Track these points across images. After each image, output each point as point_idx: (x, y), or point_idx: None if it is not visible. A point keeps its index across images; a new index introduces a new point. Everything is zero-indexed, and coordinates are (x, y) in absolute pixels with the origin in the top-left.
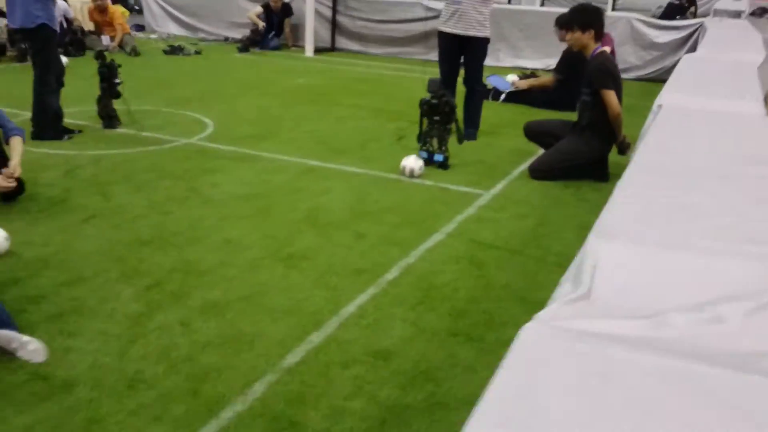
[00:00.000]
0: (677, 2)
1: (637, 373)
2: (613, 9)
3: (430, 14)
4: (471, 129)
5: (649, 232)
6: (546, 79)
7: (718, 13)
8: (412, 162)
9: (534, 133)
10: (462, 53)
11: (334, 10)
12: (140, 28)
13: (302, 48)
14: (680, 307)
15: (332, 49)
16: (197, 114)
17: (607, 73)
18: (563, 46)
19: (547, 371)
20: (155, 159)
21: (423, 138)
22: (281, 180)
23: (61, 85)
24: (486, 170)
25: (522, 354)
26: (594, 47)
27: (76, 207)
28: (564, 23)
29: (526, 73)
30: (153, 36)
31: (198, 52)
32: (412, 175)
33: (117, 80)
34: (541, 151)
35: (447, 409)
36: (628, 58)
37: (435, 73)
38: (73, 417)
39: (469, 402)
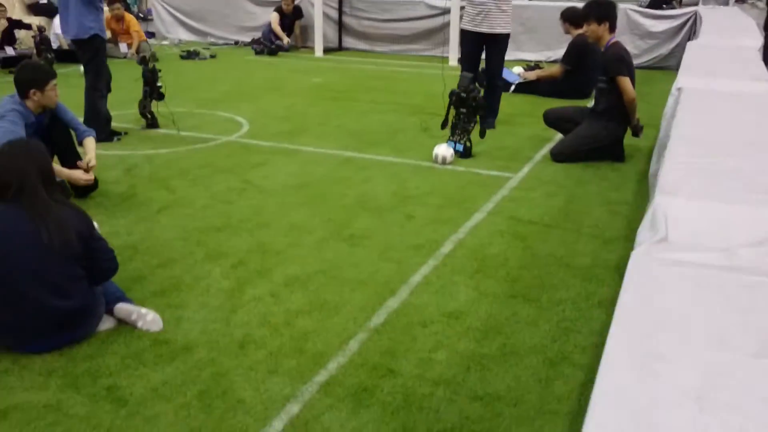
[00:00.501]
0: None
1: (732, 285)
2: None
3: (433, 12)
4: (490, 118)
5: (702, 189)
6: (554, 69)
7: (707, 0)
8: (444, 150)
9: (553, 119)
10: (482, 49)
11: (340, 11)
12: (151, 35)
13: (311, 49)
14: (743, 244)
15: (340, 48)
16: (229, 113)
17: (622, 61)
18: (562, 39)
19: (665, 285)
20: (204, 156)
21: (452, 128)
22: (324, 170)
23: (109, 90)
24: (510, 155)
25: (638, 277)
26: (609, 38)
27: (146, 200)
28: (581, 16)
29: (530, 65)
30: (164, 42)
31: (213, 56)
32: (444, 162)
33: (159, 84)
34: (557, 137)
35: (519, 356)
36: (626, 47)
37: (441, 68)
38: (200, 372)
39: (536, 350)
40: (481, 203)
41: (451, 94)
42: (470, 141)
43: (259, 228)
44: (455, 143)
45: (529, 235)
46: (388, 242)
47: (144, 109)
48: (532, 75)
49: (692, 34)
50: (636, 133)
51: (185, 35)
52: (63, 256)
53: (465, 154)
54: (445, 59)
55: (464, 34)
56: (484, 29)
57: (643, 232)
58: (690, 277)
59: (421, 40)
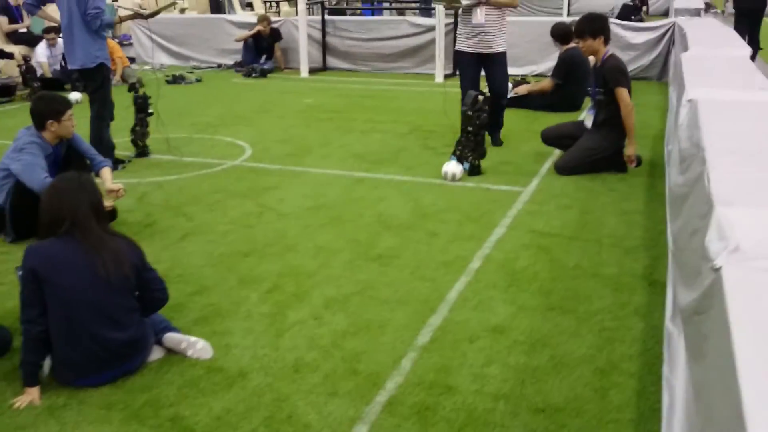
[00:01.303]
0: (631, 3)
1: None
2: (568, 14)
3: (417, 30)
4: (496, 132)
5: (757, 198)
6: (544, 83)
7: (680, 12)
8: (453, 167)
9: (551, 138)
10: (481, 68)
11: (324, 32)
12: (131, 60)
13: (295, 69)
14: None
15: (324, 68)
16: (229, 138)
17: (621, 72)
18: (545, 53)
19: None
20: (213, 181)
21: (456, 145)
22: (337, 192)
23: (112, 118)
24: (516, 170)
25: (738, 287)
26: (604, 51)
27: (167, 228)
28: (576, 33)
29: (516, 80)
30: (146, 68)
31: (199, 80)
32: (454, 179)
33: (150, 111)
34: (557, 151)
35: (569, 367)
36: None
37: (429, 85)
38: (260, 398)
39: (585, 360)
40: (498, 218)
41: (462, 112)
42: (475, 159)
43: (286, 251)
44: (463, 161)
45: (553, 248)
46: (417, 260)
47: (141, 137)
48: (524, 90)
49: (671, 44)
50: (631, 162)
51: (167, 60)
52: (119, 288)
53: (472, 171)
54: (431, 76)
55: (461, 54)
56: (481, 50)
57: (713, 244)
58: None
59: (405, 58)
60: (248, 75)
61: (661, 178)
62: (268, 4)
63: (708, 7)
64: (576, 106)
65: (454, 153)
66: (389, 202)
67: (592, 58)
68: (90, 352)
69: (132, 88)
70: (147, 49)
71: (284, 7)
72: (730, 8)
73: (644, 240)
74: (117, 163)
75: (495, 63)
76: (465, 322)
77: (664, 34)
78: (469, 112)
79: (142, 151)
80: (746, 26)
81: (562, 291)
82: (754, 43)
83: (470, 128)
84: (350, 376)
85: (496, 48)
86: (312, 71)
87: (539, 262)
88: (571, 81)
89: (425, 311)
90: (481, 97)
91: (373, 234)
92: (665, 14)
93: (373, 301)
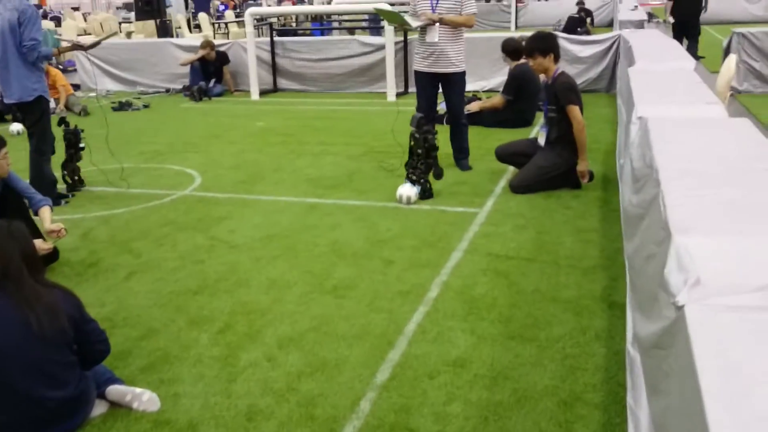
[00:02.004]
0: (576, 15)
1: None
2: (516, 28)
3: (367, 49)
4: (463, 159)
5: (714, 224)
6: (495, 100)
7: (624, 24)
8: (407, 190)
9: (505, 155)
10: (438, 87)
11: (273, 53)
12: (76, 87)
13: (245, 92)
14: None
15: (275, 90)
16: (178, 166)
17: (571, 90)
18: (494, 69)
19: (733, 336)
20: (162, 213)
21: (406, 168)
22: (289, 219)
23: (53, 152)
24: (471, 191)
25: (703, 329)
26: (554, 68)
27: (112, 266)
28: (525, 51)
29: (468, 96)
30: (92, 94)
31: (146, 106)
32: (409, 201)
33: (81, 145)
34: (512, 168)
35: (533, 400)
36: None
37: (381, 104)
38: None
39: (548, 392)
40: (455, 242)
41: (410, 135)
42: (428, 182)
43: (237, 287)
44: (414, 184)
45: (511, 271)
46: (373, 291)
47: (71, 173)
48: (475, 107)
49: (617, 57)
50: (583, 177)
51: (112, 85)
52: (55, 343)
53: (424, 195)
54: (383, 95)
55: (418, 75)
56: (437, 70)
57: (673, 276)
58: (751, 323)
59: (356, 77)
60: (197, 99)
61: (615, 193)
62: (216, 26)
63: (650, 17)
64: (527, 122)
65: (407, 176)
66: (343, 230)
67: (543, 76)
68: (26, 414)
69: (61, 122)
70: (91, 75)
71: (233, 28)
72: (670, 19)
73: (601, 260)
74: (60, 198)
75: (451, 83)
76: (424, 356)
77: (610, 47)
78: (416, 134)
79: (73, 186)
80: (683, 35)
81: (522, 318)
82: (693, 51)
83: (419, 150)
84: (306, 422)
85: (453, 68)
86: (263, 93)
87: (497, 288)
88: (523, 97)
89: (383, 346)
90: (441, 112)
91: (328, 264)
92: (610, 25)
93: (329, 338)
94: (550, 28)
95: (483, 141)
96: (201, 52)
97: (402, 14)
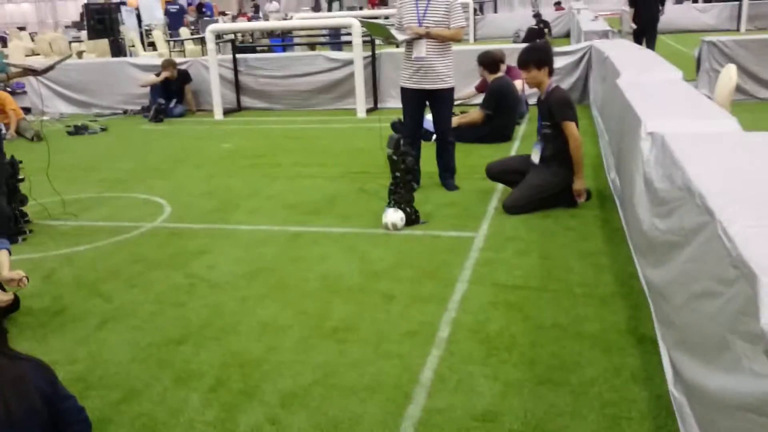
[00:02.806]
0: (536, 27)
1: None
2: (475, 40)
3: (333, 65)
4: (449, 178)
5: None
6: (474, 115)
7: (588, 35)
8: (392, 216)
9: (496, 173)
10: (425, 104)
11: (236, 71)
12: (27, 110)
13: (208, 112)
14: None
15: (239, 109)
16: (143, 195)
17: (567, 105)
18: (468, 81)
19: None
20: (131, 249)
21: (388, 193)
22: (274, 252)
23: (7, 185)
24: (463, 213)
25: None
26: (548, 82)
27: (81, 314)
28: (521, 64)
29: None
30: (45, 118)
31: (104, 129)
32: (395, 228)
33: (21, 177)
34: (501, 186)
35: None
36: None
37: (352, 121)
38: None
39: None
40: (456, 271)
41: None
42: (410, 207)
43: (225, 333)
44: (396, 208)
45: (524, 303)
46: (377, 332)
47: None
48: (454, 122)
49: (589, 67)
50: (580, 196)
51: (66, 108)
52: (24, 426)
53: (409, 221)
54: (351, 111)
55: (404, 92)
56: (425, 86)
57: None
58: None
59: (323, 93)
60: (157, 120)
61: (613, 210)
62: (171, 44)
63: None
64: (507, 137)
65: (389, 202)
66: (333, 261)
67: (520, 85)
68: None
69: None
70: (43, 98)
71: (189, 45)
72: (626, 27)
73: (616, 286)
74: (18, 235)
75: (439, 99)
76: (448, 411)
77: (581, 58)
78: (394, 156)
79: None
80: (641, 40)
81: (547, 358)
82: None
83: (397, 173)
84: None
85: (441, 83)
86: (226, 112)
87: (513, 324)
88: (502, 111)
89: (400, 399)
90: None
91: (323, 302)
92: (567, 36)
93: (338, 392)
94: (509, 41)
95: (465, 158)
96: (165, 74)
97: (388, 27)
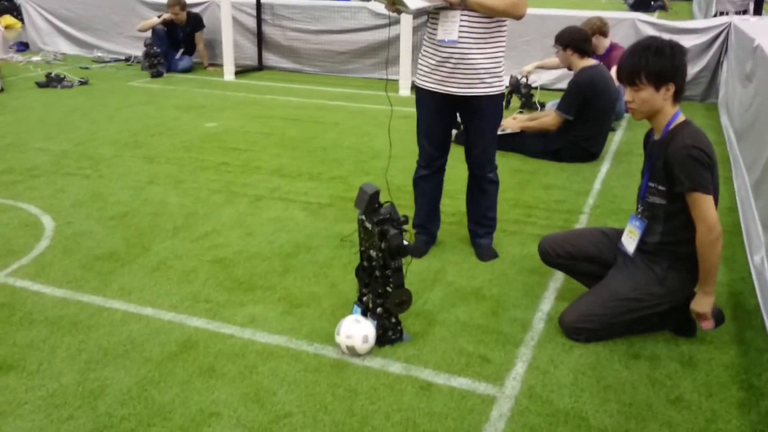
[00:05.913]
0: None
1: None
2: None
3: (378, 22)
4: (483, 238)
5: None
6: (547, 119)
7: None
8: (353, 328)
9: (556, 256)
10: (455, 117)
11: (259, 19)
12: (24, 46)
13: (221, 68)
14: None
15: (260, 68)
16: (35, 205)
17: (701, 162)
18: (545, 54)
19: None
20: None
21: (358, 282)
22: (127, 383)
23: None
24: (484, 324)
25: None
26: (672, 112)
27: None
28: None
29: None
30: (36, 58)
31: (84, 82)
32: (354, 353)
33: None
34: (561, 276)
35: None
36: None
37: (388, 100)
38: None
39: None
40: None
41: (358, 222)
42: (394, 318)
43: None
44: (367, 314)
45: None
46: None
47: None
48: (515, 125)
49: (723, 53)
50: (703, 320)
51: (67, 48)
52: None
53: (385, 338)
54: (394, 84)
55: (421, 95)
56: (454, 89)
57: None
58: None
59: (362, 57)
60: (155, 74)
61: (761, 350)
62: None
63: None
64: (593, 155)
65: (359, 299)
66: (221, 421)
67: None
68: None
69: None
70: (42, 34)
71: None
72: None
73: None
74: None
75: (478, 112)
76: None
77: (715, 38)
78: (367, 224)
79: None
80: None
81: None
82: None
83: (372, 253)
84: None
85: (482, 87)
86: (243, 71)
87: None
88: (588, 117)
89: None
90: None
91: None
92: None
93: None
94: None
95: (522, 189)
96: (166, 15)
97: None
